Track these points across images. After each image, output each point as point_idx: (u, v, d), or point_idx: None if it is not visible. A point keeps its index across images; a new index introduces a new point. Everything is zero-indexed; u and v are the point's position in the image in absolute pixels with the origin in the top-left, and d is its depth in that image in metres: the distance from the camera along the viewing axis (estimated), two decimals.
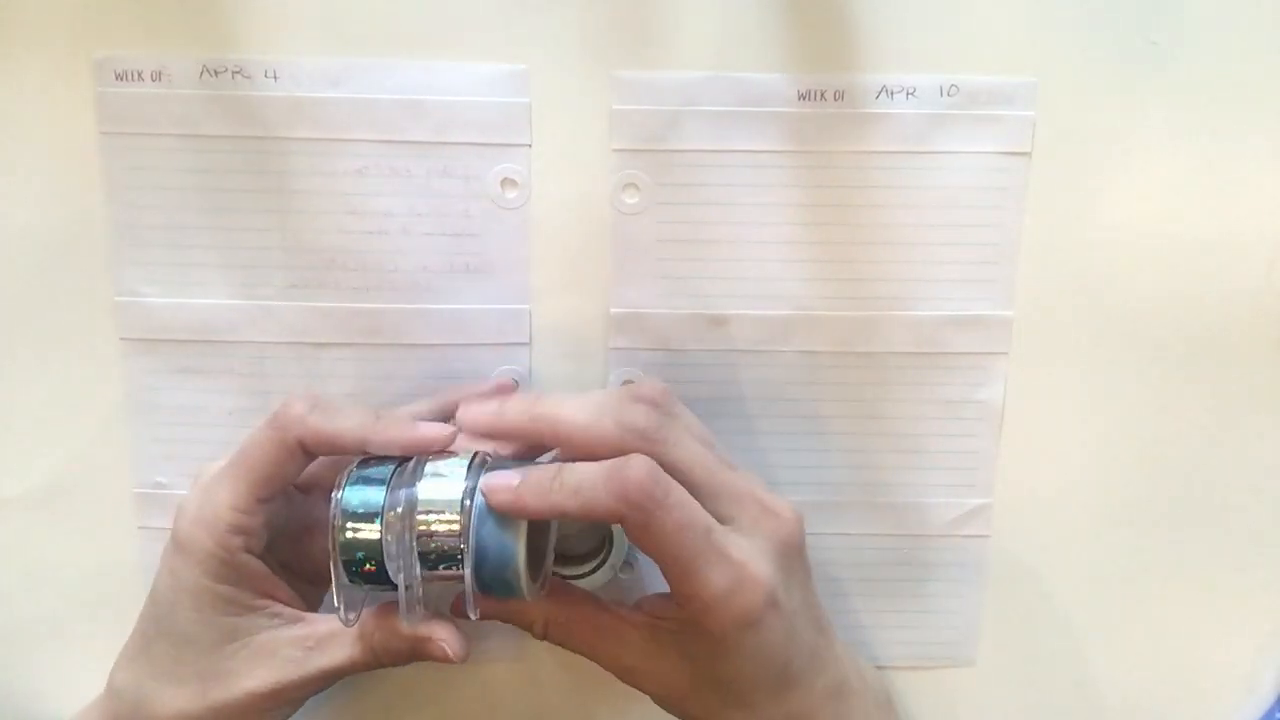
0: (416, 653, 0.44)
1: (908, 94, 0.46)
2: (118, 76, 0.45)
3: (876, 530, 0.50)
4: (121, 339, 0.48)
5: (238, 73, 0.45)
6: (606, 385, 0.48)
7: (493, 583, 0.41)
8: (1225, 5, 0.46)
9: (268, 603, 0.44)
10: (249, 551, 0.43)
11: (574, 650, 0.44)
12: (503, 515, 0.40)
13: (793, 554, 0.42)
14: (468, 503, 0.40)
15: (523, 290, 0.48)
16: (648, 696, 0.44)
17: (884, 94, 0.46)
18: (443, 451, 0.43)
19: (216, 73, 0.45)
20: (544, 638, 0.44)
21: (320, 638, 0.44)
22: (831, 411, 0.49)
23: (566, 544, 0.48)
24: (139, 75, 0.45)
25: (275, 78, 0.46)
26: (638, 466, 0.39)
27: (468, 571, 0.40)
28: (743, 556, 0.40)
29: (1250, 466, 0.49)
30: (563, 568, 0.47)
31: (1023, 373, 0.48)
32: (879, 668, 0.51)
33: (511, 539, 0.40)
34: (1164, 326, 0.48)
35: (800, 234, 0.47)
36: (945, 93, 0.46)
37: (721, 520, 0.41)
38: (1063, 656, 0.51)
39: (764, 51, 0.46)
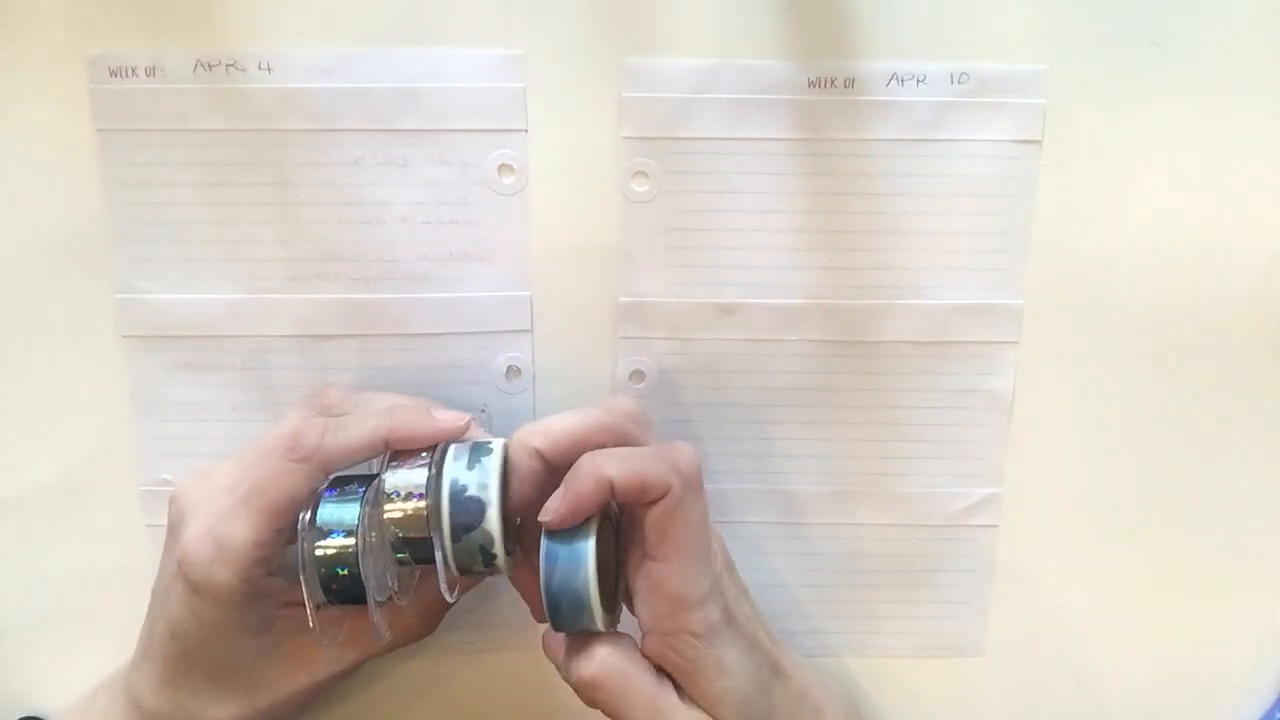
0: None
1: (918, 81, 0.45)
2: (112, 73, 0.44)
3: (884, 520, 0.50)
4: (123, 336, 0.47)
5: (231, 66, 0.45)
6: (614, 373, 0.48)
7: (562, 597, 0.40)
8: (1234, 1, 0.45)
9: (293, 610, 0.44)
10: (270, 574, 0.43)
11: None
12: (563, 529, 0.40)
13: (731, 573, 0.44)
14: (433, 475, 0.41)
15: (523, 277, 0.47)
16: None
17: (894, 81, 0.45)
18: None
19: (210, 66, 0.45)
20: (595, 693, 0.42)
21: (348, 632, 0.45)
22: (840, 400, 0.49)
23: None
24: (133, 71, 0.44)
25: (269, 70, 0.45)
26: (686, 447, 0.41)
27: (439, 553, 0.40)
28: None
29: (1252, 465, 0.50)
30: None
31: (1032, 362, 0.48)
32: (887, 658, 0.51)
33: (582, 544, 0.40)
34: (1171, 318, 0.48)
35: (810, 222, 0.47)
36: (956, 80, 0.45)
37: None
38: (1068, 648, 0.52)
39: (774, 39, 0.45)
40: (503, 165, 0.46)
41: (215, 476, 0.43)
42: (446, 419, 0.43)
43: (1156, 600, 0.51)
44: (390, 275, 0.47)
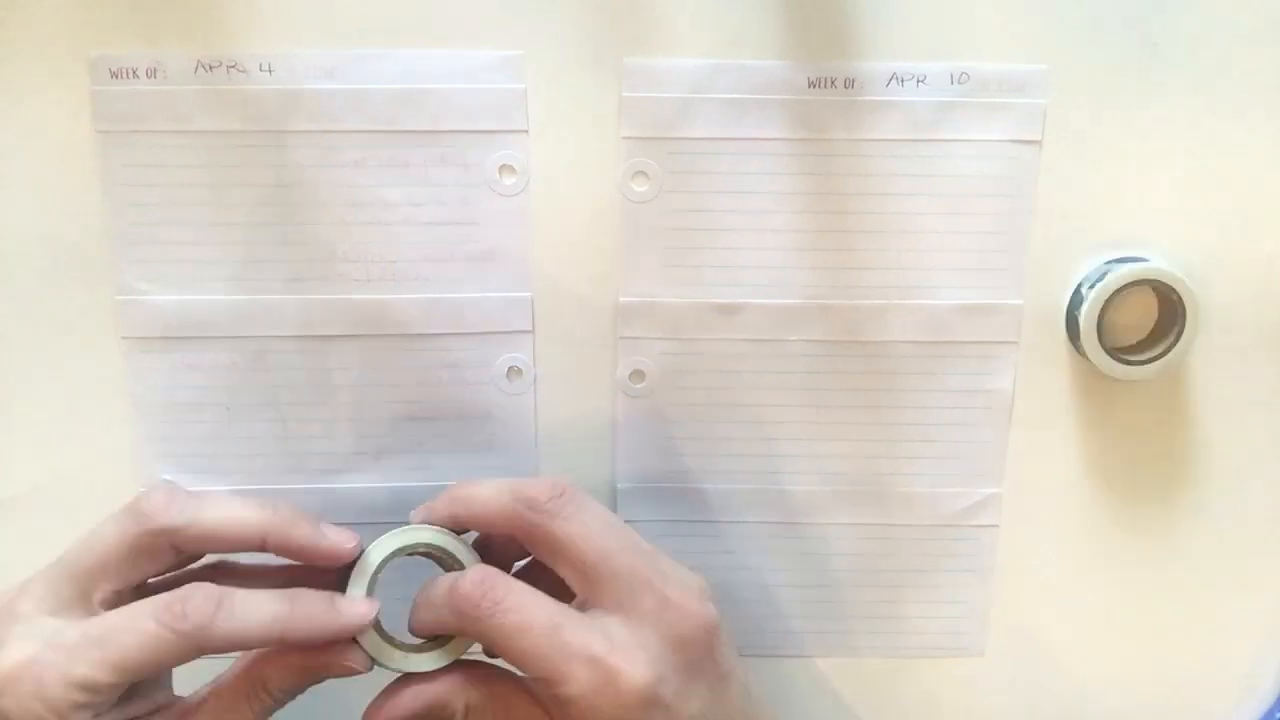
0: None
1: (918, 81, 0.45)
2: (113, 74, 0.44)
3: (885, 520, 0.50)
4: (123, 338, 0.47)
5: (232, 67, 0.45)
6: (614, 374, 0.48)
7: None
8: (1232, 2, 0.45)
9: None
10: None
11: None
12: None
13: (695, 652, 0.40)
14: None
15: (524, 278, 0.47)
16: None
17: (894, 81, 0.45)
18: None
19: (211, 68, 0.45)
20: None
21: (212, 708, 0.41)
22: (840, 400, 0.49)
23: None
24: (134, 73, 0.44)
25: (270, 71, 0.45)
26: (469, 577, 0.40)
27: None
28: (607, 650, 0.38)
29: (1252, 465, 0.50)
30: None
31: (1032, 362, 0.48)
32: (887, 658, 0.51)
33: None
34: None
35: (810, 222, 0.47)
36: (956, 80, 0.45)
37: (613, 607, 0.40)
38: (1068, 648, 0.52)
39: (774, 39, 0.45)
40: (503, 166, 0.46)
41: (40, 587, 0.40)
42: (346, 607, 0.41)
43: (1156, 600, 0.51)
44: (391, 276, 0.47)
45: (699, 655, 0.40)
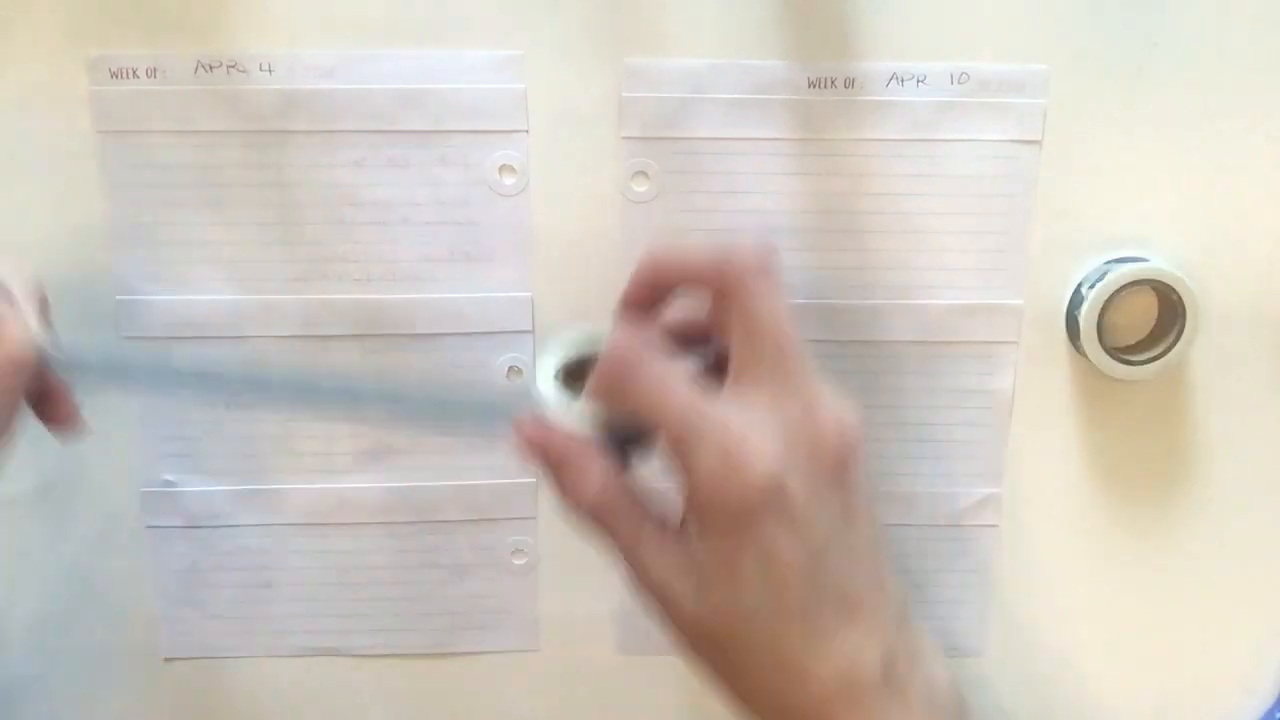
0: None
1: (918, 81, 0.45)
2: (113, 74, 0.45)
3: (885, 520, 0.50)
4: (124, 338, 0.47)
5: (232, 67, 0.45)
6: None
7: None
8: (1232, 2, 0.45)
9: None
10: None
11: (607, 541, 0.40)
12: None
13: (829, 468, 0.37)
14: None
15: (524, 278, 0.47)
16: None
17: (894, 81, 0.45)
18: None
19: (211, 68, 0.45)
20: (593, 509, 0.39)
21: None
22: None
23: None
24: (134, 73, 0.45)
25: (270, 71, 0.45)
26: (617, 339, 0.39)
27: None
28: (741, 434, 0.36)
29: (1252, 465, 0.50)
30: None
31: (1031, 362, 0.48)
32: None
33: None
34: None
35: (810, 222, 0.47)
36: (955, 80, 0.45)
37: (762, 395, 0.37)
38: (1068, 648, 0.52)
39: (774, 39, 0.45)
40: (503, 166, 0.46)
41: None
42: None
43: (1156, 600, 0.51)
44: (391, 276, 0.47)
45: (832, 473, 0.37)
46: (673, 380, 0.38)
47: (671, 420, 0.37)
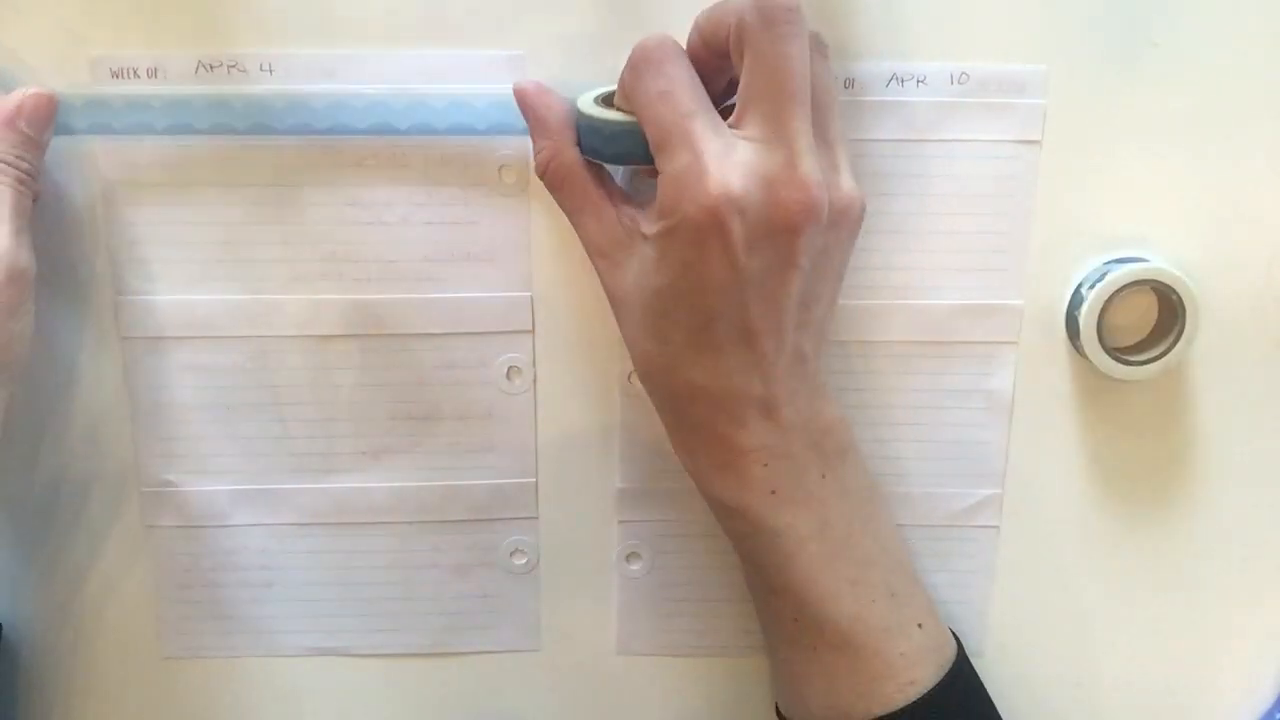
0: None
1: (918, 82, 0.45)
2: (113, 74, 0.44)
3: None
4: (124, 338, 0.47)
5: (233, 67, 0.45)
6: (617, 373, 0.48)
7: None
8: (1232, 2, 0.45)
9: None
10: None
11: (559, 203, 0.45)
12: None
13: (779, 220, 0.39)
14: None
15: (525, 278, 0.47)
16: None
17: (894, 82, 0.45)
18: None
19: (212, 68, 0.45)
20: (543, 172, 0.44)
21: None
22: (841, 400, 0.48)
23: None
24: (134, 73, 0.44)
25: (270, 71, 0.45)
26: (654, 35, 0.41)
27: None
28: (717, 156, 0.39)
29: (1252, 465, 0.50)
30: None
31: (1031, 362, 0.48)
32: None
33: None
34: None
35: None
36: (955, 81, 0.45)
37: (755, 133, 0.39)
38: (1068, 648, 0.52)
39: None
40: (503, 166, 0.46)
41: None
42: None
43: (1156, 600, 0.51)
44: (391, 276, 0.47)
45: (778, 232, 0.39)
46: (682, 87, 0.40)
47: (665, 121, 0.40)
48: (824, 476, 0.43)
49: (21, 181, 0.43)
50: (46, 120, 0.44)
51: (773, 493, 0.42)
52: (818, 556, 0.43)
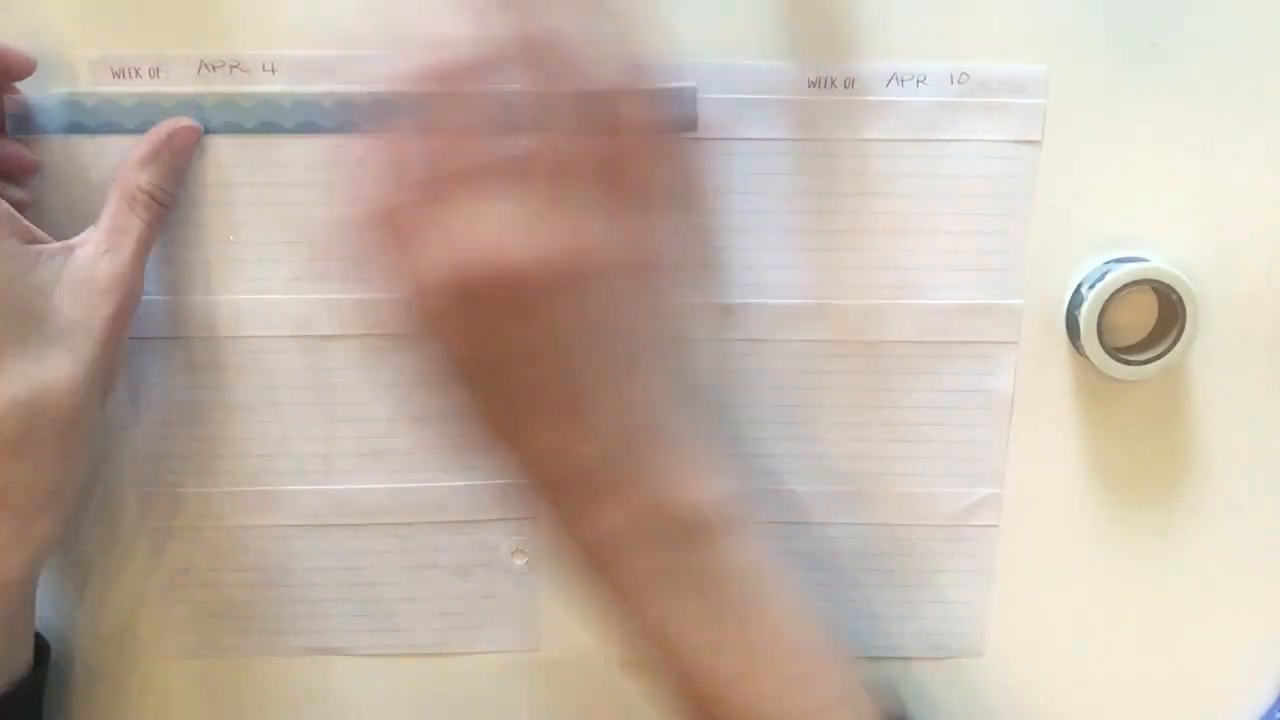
0: None
1: (918, 82, 0.45)
2: (115, 74, 0.45)
3: (884, 520, 0.50)
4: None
5: (235, 67, 0.45)
6: None
7: None
8: (1232, 2, 0.45)
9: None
10: None
11: None
12: None
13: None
14: None
15: None
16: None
17: (894, 82, 0.45)
18: None
19: (214, 67, 0.45)
20: None
21: (106, 239, 0.44)
22: (839, 400, 0.49)
23: None
24: (136, 73, 0.45)
25: (273, 71, 0.45)
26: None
27: None
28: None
29: (1252, 465, 0.50)
30: None
31: (1031, 362, 0.48)
32: (887, 658, 0.51)
33: None
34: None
35: (809, 222, 0.47)
36: (955, 80, 0.45)
37: None
38: (1068, 648, 0.51)
39: (774, 39, 0.45)
40: None
41: None
42: None
43: (1156, 600, 0.51)
44: None
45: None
46: None
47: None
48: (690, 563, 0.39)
49: (157, 215, 0.44)
50: (191, 150, 0.45)
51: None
52: (702, 649, 0.39)
